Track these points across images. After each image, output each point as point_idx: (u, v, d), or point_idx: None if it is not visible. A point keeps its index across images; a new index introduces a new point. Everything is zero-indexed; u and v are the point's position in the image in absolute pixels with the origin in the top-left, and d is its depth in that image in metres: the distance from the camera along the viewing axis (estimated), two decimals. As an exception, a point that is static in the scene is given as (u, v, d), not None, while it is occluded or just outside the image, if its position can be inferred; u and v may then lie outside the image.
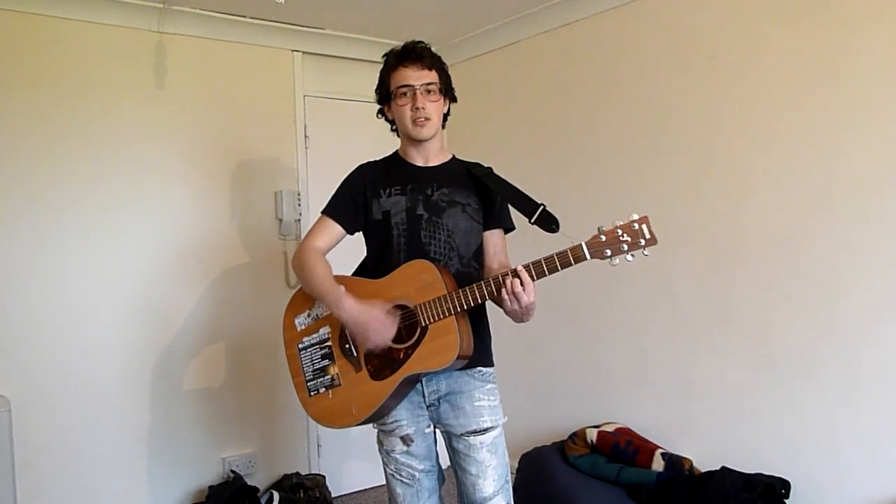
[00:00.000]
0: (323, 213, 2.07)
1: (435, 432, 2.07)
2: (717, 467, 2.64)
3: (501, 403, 2.05)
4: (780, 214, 2.58)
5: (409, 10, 3.31)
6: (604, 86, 3.18)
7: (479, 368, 2.00)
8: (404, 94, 1.97)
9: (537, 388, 3.53)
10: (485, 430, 1.97)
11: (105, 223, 3.06)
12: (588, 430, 2.96)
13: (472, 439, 1.97)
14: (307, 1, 3.16)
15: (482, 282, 1.83)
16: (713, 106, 2.76)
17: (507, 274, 1.79)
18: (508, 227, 2.12)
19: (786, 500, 2.50)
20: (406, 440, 2.01)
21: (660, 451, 2.79)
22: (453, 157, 2.11)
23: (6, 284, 2.86)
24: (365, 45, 3.68)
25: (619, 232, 1.72)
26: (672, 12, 2.89)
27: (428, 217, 1.99)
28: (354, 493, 3.68)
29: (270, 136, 3.51)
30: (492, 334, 2.08)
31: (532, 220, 1.92)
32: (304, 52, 3.59)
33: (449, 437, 2.03)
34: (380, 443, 2.09)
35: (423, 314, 1.87)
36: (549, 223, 1.89)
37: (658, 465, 2.73)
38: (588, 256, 1.74)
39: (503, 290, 1.79)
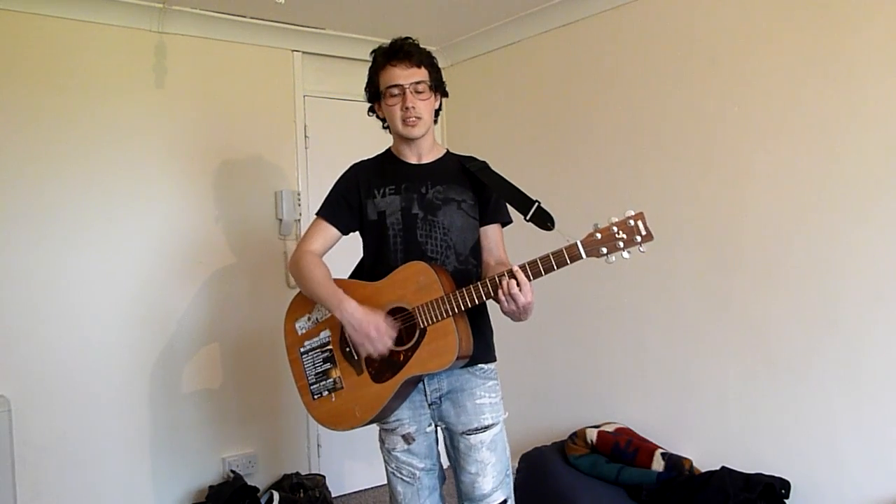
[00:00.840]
0: (317, 215, 2.07)
1: (436, 431, 2.07)
2: (717, 467, 2.64)
3: (503, 399, 2.05)
4: (779, 214, 2.58)
5: (410, 10, 3.31)
6: (604, 86, 3.18)
7: (480, 366, 2.00)
8: (394, 93, 1.96)
9: (537, 387, 3.52)
10: (486, 428, 1.97)
11: (105, 223, 3.07)
12: (588, 430, 2.95)
13: (473, 438, 1.97)
14: (307, 1, 3.16)
15: (479, 283, 1.82)
16: (713, 106, 2.76)
17: (504, 275, 1.78)
18: (506, 221, 2.11)
19: (786, 500, 2.50)
20: (407, 438, 2.01)
21: (660, 451, 2.78)
22: (447, 151, 2.10)
23: (6, 284, 2.86)
24: (365, 45, 3.61)
25: (615, 229, 1.70)
26: (672, 12, 2.89)
27: (423, 216, 1.98)
28: (354, 493, 3.68)
29: (270, 136, 3.51)
30: (493, 330, 2.08)
31: (527, 218, 1.90)
32: (303, 52, 3.59)
33: (450, 435, 2.03)
34: (381, 441, 2.10)
35: (421, 316, 1.87)
36: (544, 221, 1.87)
37: (658, 465, 2.73)
38: (584, 255, 1.72)
39: (499, 292, 1.78)
